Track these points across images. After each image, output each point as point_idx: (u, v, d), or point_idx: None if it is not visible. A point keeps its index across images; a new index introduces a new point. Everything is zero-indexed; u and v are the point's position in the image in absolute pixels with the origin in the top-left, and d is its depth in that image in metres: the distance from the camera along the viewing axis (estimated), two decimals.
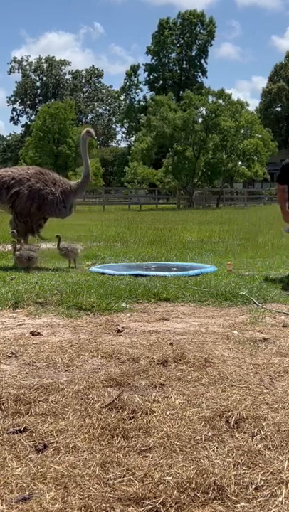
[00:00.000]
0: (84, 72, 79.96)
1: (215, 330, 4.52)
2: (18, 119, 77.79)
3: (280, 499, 2.00)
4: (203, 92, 46.73)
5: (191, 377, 3.27)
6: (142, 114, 55.04)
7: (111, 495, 2.02)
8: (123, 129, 74.02)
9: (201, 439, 2.45)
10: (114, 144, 79.06)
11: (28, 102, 76.26)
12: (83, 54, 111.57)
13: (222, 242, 11.69)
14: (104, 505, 1.97)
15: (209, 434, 2.50)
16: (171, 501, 1.99)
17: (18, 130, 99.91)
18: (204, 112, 43.49)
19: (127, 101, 67.43)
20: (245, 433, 2.51)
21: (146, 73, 65.20)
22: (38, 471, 2.18)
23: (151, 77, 65.34)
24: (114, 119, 78.69)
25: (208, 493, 2.04)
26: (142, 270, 7.28)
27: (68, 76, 78.08)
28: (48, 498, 2.00)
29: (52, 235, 8.36)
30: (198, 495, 2.02)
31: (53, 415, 2.72)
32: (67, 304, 5.33)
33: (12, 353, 3.80)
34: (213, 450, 2.35)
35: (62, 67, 77.30)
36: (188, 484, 2.07)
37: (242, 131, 44.01)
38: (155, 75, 65.38)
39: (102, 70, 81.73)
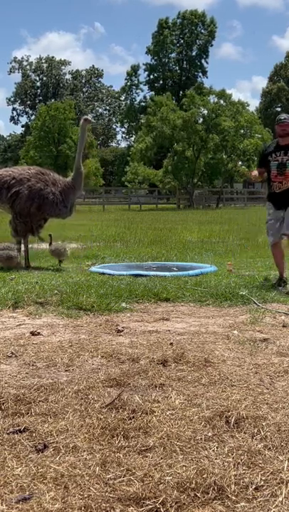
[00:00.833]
0: (84, 72, 79.97)
1: (215, 330, 4.52)
2: (18, 119, 77.79)
3: (280, 499, 2.00)
4: (204, 91, 46.71)
5: (191, 377, 3.27)
6: (142, 115, 55.05)
7: (111, 495, 2.02)
8: (123, 129, 74.07)
9: (201, 439, 2.45)
10: (114, 144, 79.08)
11: (28, 102, 76.23)
12: (84, 54, 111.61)
13: (222, 242, 11.69)
14: (104, 505, 1.97)
15: (209, 434, 2.50)
16: (171, 501, 1.99)
17: (18, 130, 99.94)
18: (205, 112, 43.50)
19: (128, 101, 67.42)
20: (245, 433, 2.51)
21: (147, 73, 65.22)
22: (38, 471, 2.18)
23: (151, 77, 65.34)
24: (114, 119, 78.69)
25: (208, 493, 2.04)
26: (142, 270, 7.28)
27: (68, 76, 78.12)
28: (48, 498, 2.00)
29: (53, 235, 8.36)
30: (198, 495, 2.03)
31: (53, 415, 2.72)
32: (67, 304, 5.33)
33: (12, 353, 3.80)
34: (213, 450, 2.35)
35: (62, 67, 77.31)
36: (188, 484, 2.07)
37: (242, 131, 44.01)
38: (155, 74, 65.36)
39: (102, 70, 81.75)
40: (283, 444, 2.40)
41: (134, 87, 65.91)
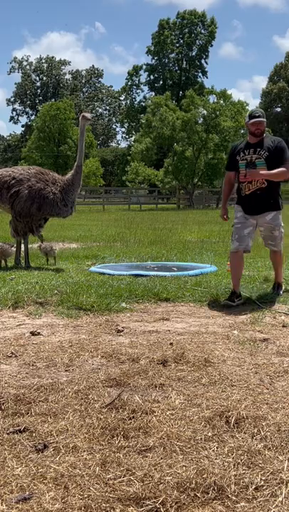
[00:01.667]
0: (84, 72, 79.98)
1: (215, 330, 4.52)
2: (18, 119, 77.82)
3: (280, 499, 2.00)
4: (205, 92, 46.72)
5: (191, 377, 3.27)
6: (142, 115, 55.06)
7: (111, 495, 2.02)
8: (123, 129, 74.07)
9: (201, 439, 2.45)
10: (114, 144, 79.09)
11: (28, 102, 76.24)
12: (85, 54, 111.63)
13: (222, 242, 11.68)
14: (104, 505, 1.97)
15: (209, 434, 2.50)
16: (171, 501, 1.99)
17: (18, 130, 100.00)
18: (205, 112, 43.50)
19: (128, 101, 67.46)
20: (245, 433, 2.51)
21: (147, 73, 65.24)
22: (38, 471, 2.18)
23: (151, 77, 65.36)
24: (114, 119, 78.69)
25: (208, 493, 2.04)
26: (142, 270, 7.28)
27: (68, 76, 78.12)
28: (48, 498, 2.00)
29: (53, 235, 8.36)
30: (198, 495, 2.02)
31: (53, 415, 2.72)
32: (67, 304, 5.33)
33: (12, 353, 3.80)
34: (213, 450, 2.35)
35: (62, 67, 77.32)
36: (188, 484, 2.07)
37: (242, 131, 44.00)
38: (155, 75, 65.39)
39: (102, 70, 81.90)
40: (283, 444, 2.40)
41: (134, 87, 65.96)
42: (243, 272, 7.18)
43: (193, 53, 65.39)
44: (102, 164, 56.06)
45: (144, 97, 64.19)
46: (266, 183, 5.49)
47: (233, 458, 2.27)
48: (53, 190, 7.77)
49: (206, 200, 44.49)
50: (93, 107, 76.15)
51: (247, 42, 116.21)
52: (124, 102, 70.70)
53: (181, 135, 41.73)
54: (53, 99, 69.49)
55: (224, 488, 2.06)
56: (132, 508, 1.97)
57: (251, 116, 5.55)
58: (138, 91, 66.51)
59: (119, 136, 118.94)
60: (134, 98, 66.52)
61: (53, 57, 77.03)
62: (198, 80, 65.47)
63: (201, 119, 43.32)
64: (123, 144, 76.34)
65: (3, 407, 2.83)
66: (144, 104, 60.64)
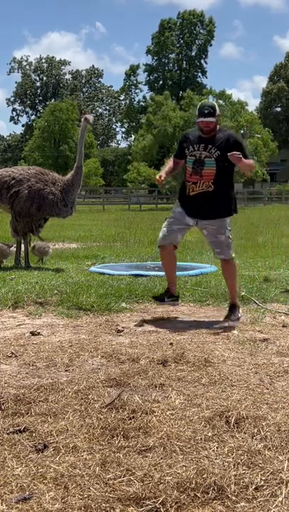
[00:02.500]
0: (84, 72, 79.98)
1: (215, 330, 4.52)
2: (18, 119, 77.76)
3: (280, 499, 2.00)
4: (204, 92, 46.73)
5: (191, 377, 3.27)
6: (142, 115, 55.06)
7: (111, 495, 2.02)
8: (123, 129, 74.04)
9: (201, 439, 2.45)
10: (114, 144, 79.08)
11: (28, 102, 76.21)
12: (85, 54, 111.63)
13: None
14: (104, 505, 1.97)
15: (209, 434, 2.50)
16: (171, 501, 1.99)
17: (18, 130, 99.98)
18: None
19: (127, 101, 67.45)
20: (245, 433, 2.51)
21: (146, 73, 65.25)
22: (38, 471, 2.18)
23: (151, 77, 65.36)
24: (114, 119, 78.69)
25: (208, 493, 2.04)
26: (142, 270, 7.28)
27: (68, 76, 78.11)
28: (48, 498, 2.00)
29: (53, 235, 8.36)
30: (198, 495, 2.02)
31: (53, 415, 2.72)
32: (67, 304, 5.33)
33: (12, 353, 3.80)
34: (213, 450, 2.35)
35: (62, 67, 77.30)
36: (188, 484, 2.07)
37: (242, 131, 44.00)
38: (155, 75, 65.39)
39: (102, 70, 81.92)
40: (283, 444, 2.40)
41: (133, 87, 65.97)
42: (243, 272, 7.18)
43: (193, 53, 65.41)
44: (102, 164, 56.04)
45: (144, 97, 64.25)
46: (213, 187, 4.82)
47: (233, 458, 2.27)
48: (52, 190, 7.77)
49: None
50: (93, 107, 76.13)
51: (247, 42, 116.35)
52: (123, 102, 70.73)
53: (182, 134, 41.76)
54: (53, 99, 69.48)
55: (224, 488, 2.06)
56: (132, 508, 1.97)
57: (200, 113, 4.85)
58: (137, 91, 66.54)
59: (119, 136, 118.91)
60: (133, 98, 66.54)
61: (53, 57, 77.08)
62: (198, 80, 65.50)
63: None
64: (123, 144, 76.35)
65: (3, 407, 2.83)
66: (143, 104, 60.64)
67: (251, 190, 50.68)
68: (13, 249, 8.02)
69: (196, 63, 65.56)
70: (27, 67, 76.07)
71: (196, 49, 65.13)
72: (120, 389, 3.06)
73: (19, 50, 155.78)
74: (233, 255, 5.06)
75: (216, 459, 2.27)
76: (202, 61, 65.72)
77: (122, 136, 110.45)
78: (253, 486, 2.07)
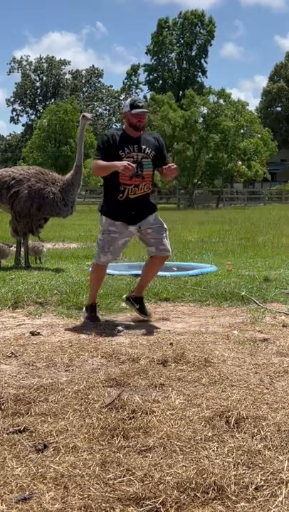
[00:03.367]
0: (84, 72, 79.93)
1: (215, 330, 4.52)
2: (18, 119, 77.72)
3: (280, 499, 2.00)
4: (204, 91, 46.74)
5: (191, 377, 3.27)
6: None
7: (111, 495, 2.02)
8: None
9: (201, 439, 2.45)
10: None
11: (28, 102, 76.15)
12: (86, 54, 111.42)
13: (222, 242, 11.68)
14: (104, 505, 1.97)
15: (209, 434, 2.50)
16: (171, 501, 1.99)
17: (18, 130, 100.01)
18: (205, 112, 43.55)
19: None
20: (245, 433, 2.51)
21: (146, 73, 65.24)
22: (38, 471, 2.18)
23: (151, 77, 65.35)
24: (114, 119, 78.63)
25: (208, 493, 2.04)
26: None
27: (68, 76, 78.05)
28: (48, 498, 2.00)
29: (53, 235, 8.36)
30: (198, 495, 2.02)
31: (53, 415, 2.72)
32: (67, 304, 5.33)
33: (12, 353, 3.80)
34: (213, 450, 2.35)
35: (62, 67, 77.25)
36: (188, 484, 2.07)
37: (242, 130, 44.02)
38: (155, 74, 65.38)
39: (102, 70, 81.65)
40: (283, 444, 2.40)
41: (133, 86, 65.98)
42: (243, 272, 7.18)
43: (193, 53, 65.40)
44: None
45: (145, 97, 64.19)
46: (151, 188, 4.78)
47: (233, 458, 2.27)
48: (52, 190, 7.77)
49: (206, 200, 44.47)
50: (93, 107, 76.09)
51: (248, 42, 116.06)
52: (123, 102, 70.70)
53: (182, 134, 41.74)
54: (53, 99, 69.44)
55: (224, 488, 2.06)
56: (132, 508, 1.97)
57: (134, 105, 4.62)
58: (137, 91, 66.56)
59: None
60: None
61: (52, 57, 76.91)
62: (198, 79, 65.50)
63: (201, 118, 43.35)
64: None
65: (3, 407, 2.83)
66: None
67: (251, 190, 50.67)
68: (13, 249, 8.03)
69: (196, 63, 65.55)
70: (27, 67, 76.02)
71: (196, 49, 65.13)
72: (120, 389, 3.06)
73: (20, 50, 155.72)
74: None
75: (216, 459, 2.27)
76: (202, 61, 65.74)
77: None
78: (253, 486, 2.07)
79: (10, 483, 2.09)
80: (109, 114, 79.53)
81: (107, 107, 79.81)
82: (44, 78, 76.13)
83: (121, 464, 2.23)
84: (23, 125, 77.05)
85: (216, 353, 3.77)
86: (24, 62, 75.89)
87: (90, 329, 4.54)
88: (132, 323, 4.79)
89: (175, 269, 7.53)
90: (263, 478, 2.12)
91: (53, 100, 67.71)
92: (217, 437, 2.47)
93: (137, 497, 2.00)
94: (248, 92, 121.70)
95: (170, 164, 4.70)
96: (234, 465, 2.21)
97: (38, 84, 76.64)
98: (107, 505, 1.97)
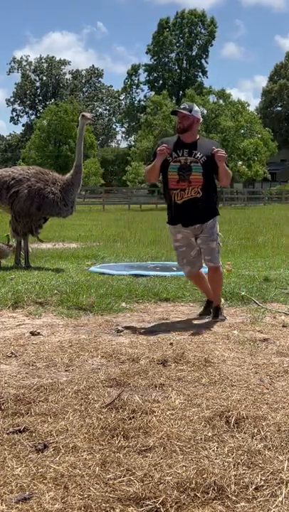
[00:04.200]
0: (84, 72, 79.94)
1: (215, 330, 4.52)
2: (18, 119, 77.72)
3: (280, 499, 2.00)
4: (204, 91, 46.76)
5: (191, 377, 3.27)
6: (142, 114, 55.06)
7: (111, 495, 2.02)
8: (123, 129, 74.03)
9: (201, 439, 2.45)
10: (114, 144, 79.06)
11: (28, 102, 76.16)
12: (86, 54, 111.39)
13: (222, 242, 11.67)
14: (104, 505, 1.97)
15: (209, 434, 2.50)
16: (171, 501, 1.99)
17: (19, 130, 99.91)
18: (205, 112, 43.56)
19: (127, 101, 67.44)
20: (245, 433, 2.51)
21: (146, 73, 65.23)
22: (38, 471, 2.18)
23: (151, 77, 65.35)
24: (114, 119, 78.65)
25: (208, 493, 2.04)
26: (142, 270, 7.28)
27: (68, 76, 78.06)
28: (48, 498, 2.00)
29: (53, 235, 8.36)
30: (198, 495, 2.02)
31: (53, 415, 2.72)
32: (67, 304, 5.33)
33: (12, 353, 3.80)
34: (213, 450, 2.35)
35: (62, 67, 77.26)
36: (188, 484, 2.07)
37: (242, 131, 44.03)
38: (155, 74, 65.38)
39: (102, 70, 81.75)
40: (283, 444, 2.40)
41: (134, 86, 65.97)
42: (243, 272, 7.18)
43: (194, 53, 65.39)
44: (103, 164, 55.99)
45: (145, 96, 64.25)
46: (201, 193, 4.74)
47: (233, 458, 2.27)
48: (52, 189, 7.77)
49: None
50: (93, 107, 76.11)
51: (249, 42, 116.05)
52: (123, 102, 70.74)
53: None
54: (53, 99, 69.42)
55: (224, 488, 2.06)
56: (132, 508, 1.97)
57: (174, 110, 4.87)
58: (138, 90, 66.54)
59: (119, 136, 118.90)
60: (134, 98, 66.54)
61: (52, 57, 76.97)
62: (199, 79, 65.48)
63: (201, 118, 43.42)
64: (123, 144, 76.30)
65: (3, 407, 2.83)
66: (144, 103, 60.64)
67: (251, 190, 50.64)
68: (12, 249, 8.02)
69: (196, 63, 65.54)
70: (27, 67, 76.02)
71: (196, 49, 65.12)
72: (120, 389, 3.06)
73: (20, 50, 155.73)
74: (221, 262, 5.05)
75: (216, 459, 2.27)
76: (203, 61, 65.73)
77: (122, 137, 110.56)
78: (253, 486, 2.07)
79: (10, 483, 2.09)
80: (109, 114, 79.56)
81: (107, 107, 79.83)
82: (44, 78, 76.13)
83: (121, 464, 2.23)
84: (23, 125, 77.04)
85: (216, 353, 3.77)
86: (24, 63, 75.90)
87: (90, 329, 4.54)
88: (132, 323, 4.79)
89: (175, 269, 7.53)
90: (263, 478, 2.12)
91: (52, 100, 67.65)
92: (217, 437, 2.47)
93: (137, 497, 2.00)
94: (249, 92, 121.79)
95: (215, 150, 4.71)
96: (234, 465, 2.21)
97: (37, 84, 76.65)
98: (107, 505, 1.97)
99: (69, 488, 2.06)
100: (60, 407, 2.80)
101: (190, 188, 4.73)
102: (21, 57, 76.67)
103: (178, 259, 5.08)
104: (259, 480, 2.11)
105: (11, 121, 77.72)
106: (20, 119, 76.99)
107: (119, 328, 4.54)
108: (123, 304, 5.40)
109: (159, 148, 4.72)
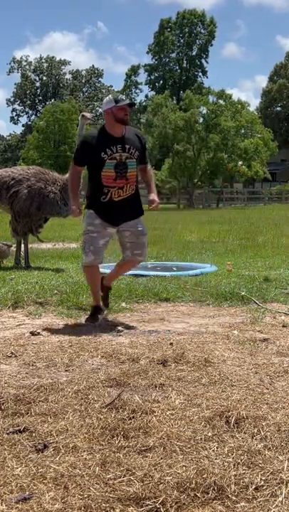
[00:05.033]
0: (84, 72, 79.91)
1: (215, 330, 4.52)
2: (18, 120, 77.69)
3: (280, 499, 2.00)
4: (203, 91, 46.75)
5: (191, 377, 3.27)
6: (143, 114, 55.08)
7: (111, 495, 2.02)
8: None
9: (201, 439, 2.45)
10: None
11: (28, 102, 76.12)
12: (87, 54, 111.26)
13: (222, 242, 11.68)
14: (104, 505, 1.97)
15: (209, 434, 2.50)
16: (171, 501, 1.99)
17: (18, 130, 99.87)
18: (205, 112, 43.58)
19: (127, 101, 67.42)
20: (245, 433, 2.51)
21: (147, 73, 65.27)
22: (38, 471, 2.18)
23: (151, 77, 65.37)
24: None
25: (208, 493, 2.04)
26: (142, 270, 7.27)
27: (68, 76, 78.03)
28: (48, 498, 2.00)
29: (53, 235, 8.36)
30: (198, 495, 2.02)
31: (53, 415, 2.72)
32: (67, 304, 5.33)
33: (12, 353, 3.80)
34: (213, 450, 2.35)
35: (62, 67, 77.22)
36: (188, 484, 2.07)
37: (242, 131, 44.02)
38: (156, 74, 65.40)
39: (103, 70, 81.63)
40: (283, 444, 2.40)
41: (133, 86, 65.97)
42: (243, 272, 7.18)
43: (194, 53, 65.41)
44: None
45: (146, 96, 64.21)
46: (135, 189, 4.69)
47: (233, 458, 2.27)
48: (53, 189, 7.77)
49: (206, 200, 44.49)
50: (93, 107, 76.08)
51: (249, 41, 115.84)
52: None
53: (182, 134, 41.75)
54: (53, 99, 69.41)
55: (224, 488, 2.06)
56: (132, 508, 1.97)
57: (117, 100, 4.56)
58: (137, 91, 66.55)
59: None
60: (134, 98, 66.52)
61: (53, 57, 76.90)
62: (199, 79, 65.50)
63: (201, 118, 43.38)
64: None
65: (3, 407, 2.83)
66: (144, 103, 60.63)
67: (251, 190, 50.64)
68: (13, 249, 8.02)
69: (196, 63, 65.56)
70: (27, 67, 75.99)
71: (196, 49, 65.14)
72: (120, 389, 3.06)
73: (20, 50, 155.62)
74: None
75: (216, 459, 2.27)
76: (203, 61, 65.74)
77: None
78: (253, 486, 2.07)
79: (10, 483, 2.09)
80: None
81: None
82: (44, 78, 76.10)
83: (121, 463, 2.23)
84: (23, 125, 77.00)
85: (216, 353, 3.77)
86: (24, 63, 75.86)
87: (90, 329, 4.54)
88: (132, 323, 4.79)
89: (175, 269, 7.54)
90: (263, 478, 2.12)
91: (52, 100, 67.64)
92: (217, 437, 2.47)
93: (137, 497, 2.00)
94: (249, 92, 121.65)
95: (154, 204, 4.82)
96: (234, 465, 2.21)
97: (37, 84, 76.60)
98: (107, 505, 1.97)
99: (69, 488, 2.06)
100: (60, 407, 2.80)
101: (128, 185, 4.62)
102: (21, 57, 76.61)
103: (84, 245, 4.72)
104: (259, 480, 2.11)
105: (11, 121, 77.74)
106: (20, 119, 76.97)
107: (119, 328, 4.54)
108: (123, 304, 5.40)
109: (72, 211, 4.79)
